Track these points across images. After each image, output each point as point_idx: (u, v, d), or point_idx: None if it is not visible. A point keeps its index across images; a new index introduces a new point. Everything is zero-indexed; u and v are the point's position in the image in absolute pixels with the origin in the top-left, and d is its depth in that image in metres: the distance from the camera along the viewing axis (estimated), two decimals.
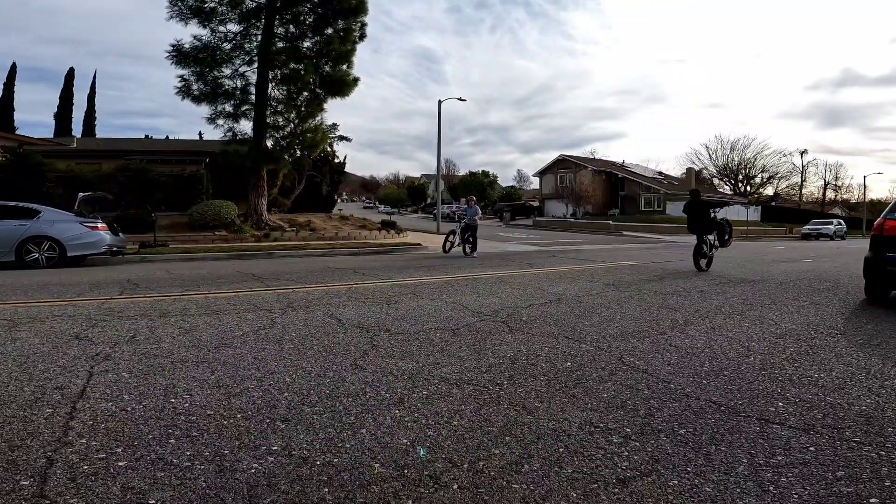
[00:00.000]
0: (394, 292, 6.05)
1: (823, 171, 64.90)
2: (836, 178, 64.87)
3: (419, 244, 15.59)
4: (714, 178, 62.30)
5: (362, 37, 17.70)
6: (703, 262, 9.25)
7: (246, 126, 17.45)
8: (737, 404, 2.63)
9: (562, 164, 50.98)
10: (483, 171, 71.86)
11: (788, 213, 48.99)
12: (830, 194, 64.91)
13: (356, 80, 17.92)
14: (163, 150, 21.09)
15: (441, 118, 27.84)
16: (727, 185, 62.88)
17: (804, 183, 63.38)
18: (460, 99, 29.18)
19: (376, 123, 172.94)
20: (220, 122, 17.00)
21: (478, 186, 64.49)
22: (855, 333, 4.27)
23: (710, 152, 64.08)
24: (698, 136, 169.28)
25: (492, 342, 3.77)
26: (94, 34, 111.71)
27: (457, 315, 4.73)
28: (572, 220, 41.08)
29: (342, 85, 17.31)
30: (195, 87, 16.49)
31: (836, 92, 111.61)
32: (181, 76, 16.29)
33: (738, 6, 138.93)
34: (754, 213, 39.45)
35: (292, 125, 17.64)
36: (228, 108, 16.99)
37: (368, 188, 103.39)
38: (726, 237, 10.07)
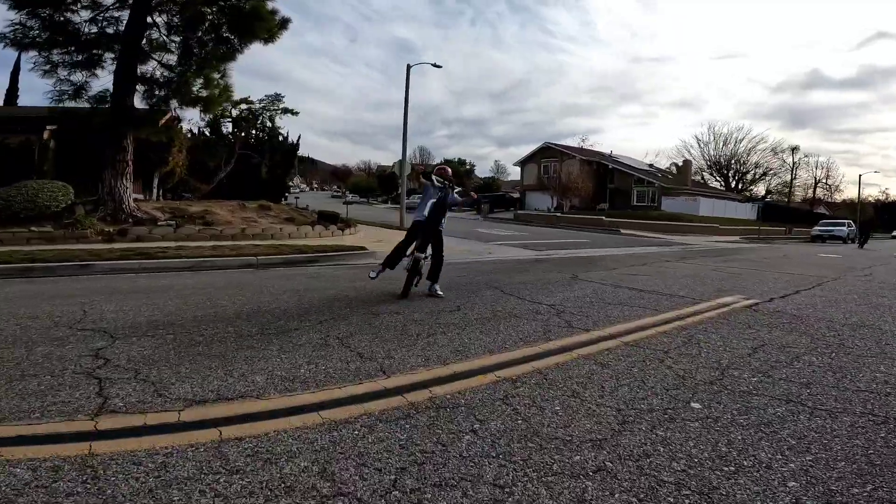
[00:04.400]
0: None
1: (814, 170, 62.17)
2: (827, 177, 62.38)
3: (364, 248, 10.43)
4: (704, 173, 58.84)
5: None
6: None
7: (108, 80, 12.03)
8: None
9: (546, 152, 46.27)
10: (459, 158, 66.92)
11: (784, 213, 45.76)
12: (820, 193, 62.49)
13: (286, 20, 12.63)
14: None
15: (409, 87, 22.66)
16: (717, 180, 59.68)
17: (794, 181, 60.74)
18: (434, 65, 23.87)
19: (352, 113, 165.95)
20: (63, 72, 11.50)
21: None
22: None
23: (702, 145, 60.64)
24: (669, 135, 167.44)
25: None
26: None
27: None
28: (558, 213, 36.48)
29: (256, 20, 11.99)
30: (43, 35, 11.05)
31: (801, 94, 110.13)
32: (16, 22, 10.87)
33: (715, 5, 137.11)
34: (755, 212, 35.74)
35: (182, 77, 12.24)
36: (78, 56, 11.52)
37: (339, 177, 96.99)
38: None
